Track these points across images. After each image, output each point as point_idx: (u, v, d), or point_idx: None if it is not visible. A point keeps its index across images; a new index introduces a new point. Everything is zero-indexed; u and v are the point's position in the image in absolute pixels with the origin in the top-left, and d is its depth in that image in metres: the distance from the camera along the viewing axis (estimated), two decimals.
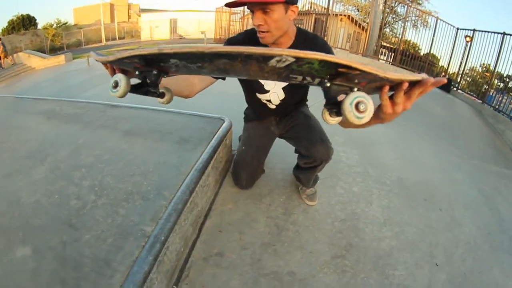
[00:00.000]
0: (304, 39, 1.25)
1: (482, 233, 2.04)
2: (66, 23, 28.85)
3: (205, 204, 1.81)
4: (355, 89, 0.55)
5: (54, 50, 21.23)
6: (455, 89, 9.35)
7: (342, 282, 1.42)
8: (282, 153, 2.04)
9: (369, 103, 0.53)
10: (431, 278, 1.52)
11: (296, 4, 1.13)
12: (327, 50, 1.25)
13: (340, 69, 0.52)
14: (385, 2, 11.92)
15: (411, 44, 13.38)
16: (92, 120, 2.53)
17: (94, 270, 1.13)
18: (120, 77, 0.68)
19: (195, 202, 1.59)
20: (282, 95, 1.50)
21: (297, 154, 1.81)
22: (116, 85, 0.68)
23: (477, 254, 1.80)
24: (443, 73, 10.50)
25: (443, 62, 10.72)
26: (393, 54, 11.21)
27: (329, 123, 0.74)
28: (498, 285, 1.64)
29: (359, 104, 0.53)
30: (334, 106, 0.64)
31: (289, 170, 2.17)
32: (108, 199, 1.46)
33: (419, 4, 17.57)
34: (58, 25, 27.45)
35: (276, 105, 1.56)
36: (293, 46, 1.23)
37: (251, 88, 1.53)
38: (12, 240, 1.41)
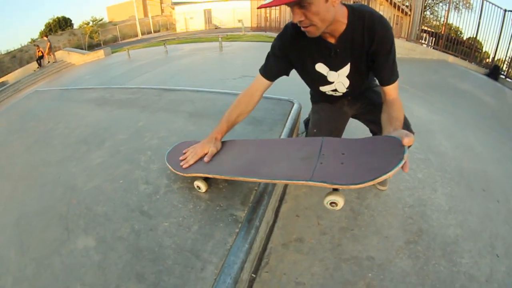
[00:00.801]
0: (362, 24, 1.25)
1: None
2: (101, 19, 31.41)
3: (280, 188, 1.81)
4: None
5: (92, 47, 23.08)
6: (503, 77, 9.03)
7: (416, 268, 1.52)
8: (354, 135, 1.94)
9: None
10: (493, 268, 1.62)
11: None
12: (388, 37, 1.27)
13: None
14: None
15: (452, 28, 12.53)
16: (148, 104, 2.55)
17: (179, 263, 1.04)
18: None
19: (278, 184, 1.56)
20: (347, 83, 1.51)
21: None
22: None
23: None
24: (487, 59, 10.10)
25: (487, 47, 10.22)
26: (434, 38, 10.90)
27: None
28: None
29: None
30: None
31: None
32: (185, 183, 1.39)
33: None
34: (93, 23, 29.98)
35: (343, 93, 1.59)
36: (346, 33, 1.26)
37: (313, 81, 1.57)
38: (71, 229, 1.38)
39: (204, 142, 1.44)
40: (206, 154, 1.39)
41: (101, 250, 1.21)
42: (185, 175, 1.36)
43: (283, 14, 15.19)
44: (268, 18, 16.58)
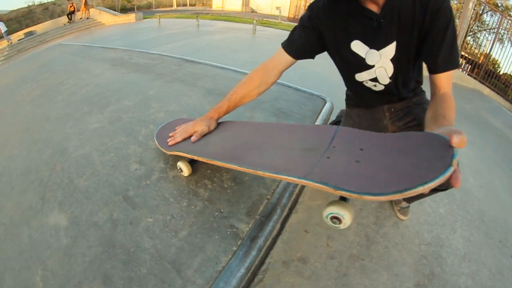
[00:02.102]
0: None
1: None
2: None
3: (294, 196, 1.52)
4: None
5: (124, 10, 23.06)
6: None
7: None
8: None
9: None
10: None
11: None
12: (445, 10, 1.00)
13: None
14: (473, 8, 10.78)
15: (491, 60, 11.97)
16: (165, 72, 2.32)
17: (155, 274, 0.82)
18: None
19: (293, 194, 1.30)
20: (391, 69, 1.20)
21: None
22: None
23: None
24: None
25: None
26: (470, 65, 10.37)
27: None
28: None
29: None
30: None
31: None
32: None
33: (510, 15, 15.71)
34: None
35: (385, 85, 1.27)
36: (393, 0, 1.01)
37: (348, 66, 1.26)
38: (47, 199, 1.20)
39: (198, 120, 1.23)
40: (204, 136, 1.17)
41: (71, 233, 1.02)
42: (167, 152, 1.17)
43: None
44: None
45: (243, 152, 0.93)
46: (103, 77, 2.44)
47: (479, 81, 9.44)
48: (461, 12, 10.84)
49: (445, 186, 1.22)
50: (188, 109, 1.66)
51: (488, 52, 10.14)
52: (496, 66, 11.75)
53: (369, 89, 1.31)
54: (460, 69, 11.27)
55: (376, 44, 1.11)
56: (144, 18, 14.04)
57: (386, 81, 1.23)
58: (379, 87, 1.27)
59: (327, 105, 1.93)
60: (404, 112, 1.43)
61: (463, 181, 2.63)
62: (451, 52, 1.00)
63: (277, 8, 18.04)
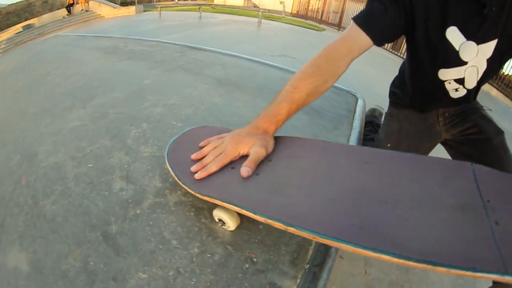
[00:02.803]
0: None
1: None
2: None
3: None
4: None
5: (125, 4, 22.97)
6: None
7: None
8: None
9: None
10: None
11: None
12: None
13: None
14: None
15: None
16: (165, 59, 1.97)
17: None
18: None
19: None
20: (482, 72, 1.03)
21: None
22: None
23: None
24: None
25: None
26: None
27: None
28: None
29: None
30: None
31: None
32: (189, 197, 0.78)
33: None
34: None
35: (468, 90, 1.11)
36: None
37: (435, 58, 1.03)
38: (7, 229, 0.87)
39: (243, 135, 0.77)
40: (242, 157, 0.75)
41: (33, 285, 0.68)
42: (198, 195, 0.70)
43: (327, 6, 15.27)
44: (309, 6, 16.85)
45: (366, 217, 0.55)
46: (91, 66, 2.10)
47: (488, 83, 9.55)
48: None
49: None
50: (193, 103, 1.29)
51: None
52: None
53: (445, 92, 1.11)
54: None
55: (477, 36, 0.92)
56: (144, 11, 14.21)
57: (473, 85, 1.06)
58: (461, 93, 1.07)
59: (360, 103, 1.60)
60: (459, 118, 1.27)
61: None
62: None
63: (281, 2, 18.58)
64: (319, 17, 15.37)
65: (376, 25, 0.87)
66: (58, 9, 17.87)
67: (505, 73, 10.31)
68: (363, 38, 0.86)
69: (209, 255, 0.63)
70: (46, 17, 15.53)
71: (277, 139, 0.80)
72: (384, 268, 1.51)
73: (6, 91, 2.22)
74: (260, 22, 8.39)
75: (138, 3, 24.79)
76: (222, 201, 0.65)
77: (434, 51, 0.99)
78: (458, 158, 1.35)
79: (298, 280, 0.60)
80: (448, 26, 0.92)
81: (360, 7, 13.25)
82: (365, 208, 0.55)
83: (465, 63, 0.99)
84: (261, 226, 0.70)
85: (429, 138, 1.37)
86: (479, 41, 0.94)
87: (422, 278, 1.61)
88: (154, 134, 1.06)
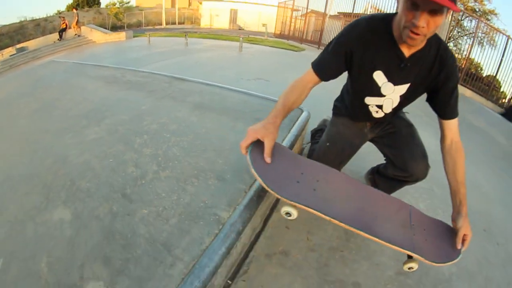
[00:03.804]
0: (436, 50, 1.24)
1: None
2: (128, 3, 31.75)
3: (273, 196, 1.66)
4: None
5: (115, 28, 23.26)
6: None
7: None
8: (364, 159, 2.06)
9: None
10: None
11: None
12: (456, 73, 1.28)
13: None
14: (451, 14, 11.40)
15: (473, 63, 12.52)
16: (156, 89, 2.51)
17: (148, 254, 0.99)
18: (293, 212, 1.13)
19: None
20: (396, 103, 1.42)
21: (385, 161, 1.78)
22: (289, 215, 1.13)
23: None
24: (503, 99, 10.09)
25: (505, 88, 10.10)
26: None
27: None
28: None
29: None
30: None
31: (359, 173, 2.17)
32: (174, 173, 1.34)
33: (487, 20, 16.48)
34: (120, 5, 30.30)
35: (385, 114, 1.49)
36: (422, 52, 1.22)
37: (363, 89, 1.42)
38: (52, 199, 1.35)
39: (258, 125, 1.15)
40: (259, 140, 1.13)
41: (75, 226, 1.17)
42: (284, 199, 1.07)
43: (308, 25, 15.33)
44: (291, 26, 16.71)
45: (364, 218, 1.20)
46: (97, 94, 2.61)
47: (461, 84, 9.66)
48: None
49: (415, 178, 1.62)
50: (177, 121, 1.84)
51: (468, 55, 10.72)
52: (479, 69, 12.29)
53: (369, 112, 1.49)
54: None
55: (395, 80, 1.30)
56: (134, 37, 14.24)
57: (388, 110, 1.44)
58: (379, 114, 1.48)
59: (304, 114, 2.13)
60: (382, 122, 1.63)
61: (442, 178, 2.83)
62: (455, 104, 1.30)
63: (264, 25, 18.29)
64: (301, 37, 15.12)
65: (326, 71, 1.32)
66: (50, 32, 17.70)
67: (479, 74, 10.84)
68: (315, 77, 1.32)
69: (182, 200, 1.18)
70: (39, 41, 15.57)
71: (319, 166, 1.33)
72: (324, 237, 1.68)
73: (20, 113, 2.63)
74: (241, 47, 8.81)
75: (128, 27, 25.19)
76: (296, 203, 1.07)
77: (364, 84, 1.36)
78: (382, 148, 1.73)
79: (230, 212, 1.14)
80: (376, 70, 1.27)
81: (338, 24, 13.18)
82: (358, 214, 1.20)
83: (384, 96, 1.37)
84: (212, 187, 1.25)
85: (359, 138, 1.71)
86: (396, 83, 1.30)
87: (362, 246, 1.72)
88: (152, 141, 1.61)
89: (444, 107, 1.30)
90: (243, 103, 2.25)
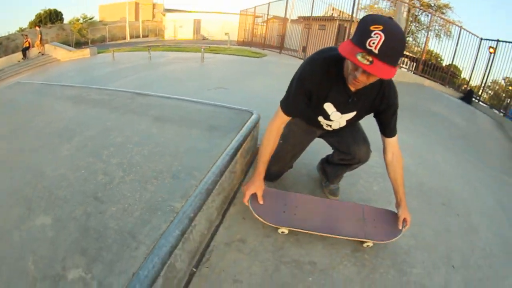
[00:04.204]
0: (379, 87, 1.43)
1: (499, 241, 2.15)
2: (92, 18, 30.91)
3: (231, 192, 1.92)
4: None
5: (79, 45, 22.70)
6: (476, 101, 9.64)
7: (361, 276, 1.55)
8: (308, 149, 2.11)
9: None
10: (448, 279, 1.65)
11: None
12: (395, 104, 1.50)
13: None
14: (408, 11, 12.12)
15: (433, 55, 13.41)
16: (120, 105, 2.69)
17: (117, 242, 1.20)
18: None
19: (223, 186, 1.70)
20: (343, 124, 1.65)
21: (333, 150, 1.98)
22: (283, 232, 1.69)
23: (492, 261, 1.90)
24: (465, 85, 10.77)
25: (465, 74, 10.92)
26: (414, 63, 11.58)
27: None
28: None
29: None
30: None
31: (313, 165, 2.30)
32: (137, 176, 1.56)
33: (443, 13, 17.60)
34: (84, 20, 29.48)
35: (334, 129, 1.72)
36: (366, 88, 1.36)
37: (317, 112, 1.63)
38: (33, 209, 1.51)
39: (249, 182, 1.64)
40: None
41: (55, 228, 1.34)
42: (278, 226, 1.66)
43: (270, 31, 15.48)
44: (253, 33, 16.76)
45: (330, 224, 1.65)
46: (67, 113, 2.74)
47: (419, 75, 10.22)
48: (394, 17, 11.95)
49: (358, 160, 1.81)
50: (139, 133, 2.06)
51: (426, 48, 11.22)
52: (440, 59, 12.84)
53: (321, 125, 1.72)
54: (405, 68, 12.19)
55: (342, 110, 1.53)
56: (98, 53, 13.93)
57: (337, 128, 1.68)
58: (328, 128, 1.72)
59: (253, 117, 2.33)
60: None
61: None
62: (394, 126, 1.55)
63: (226, 34, 18.10)
64: (263, 43, 15.16)
65: (295, 111, 1.54)
66: (13, 51, 16.86)
67: (439, 64, 11.31)
68: (285, 117, 1.55)
69: (143, 197, 1.41)
70: (2, 61, 14.84)
71: (297, 196, 1.79)
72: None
73: None
74: (203, 57, 8.90)
75: (92, 43, 24.58)
76: (285, 227, 1.65)
77: (317, 109, 1.57)
78: (328, 140, 1.93)
79: (183, 203, 1.38)
80: (327, 102, 1.48)
81: (298, 28, 13.55)
82: (326, 222, 1.62)
83: (332, 120, 1.59)
84: (168, 185, 1.49)
85: (309, 136, 1.90)
86: (343, 113, 1.52)
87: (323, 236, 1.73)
88: (118, 152, 1.83)
89: (385, 128, 1.55)
90: (198, 112, 2.48)
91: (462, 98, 9.64)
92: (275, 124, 1.59)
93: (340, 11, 11.78)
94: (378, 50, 1.05)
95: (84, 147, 1.97)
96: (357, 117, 1.59)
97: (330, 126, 1.68)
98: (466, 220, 2.27)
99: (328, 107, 1.52)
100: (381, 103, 1.46)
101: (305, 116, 1.77)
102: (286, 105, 1.53)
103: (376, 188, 2.30)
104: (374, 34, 1.05)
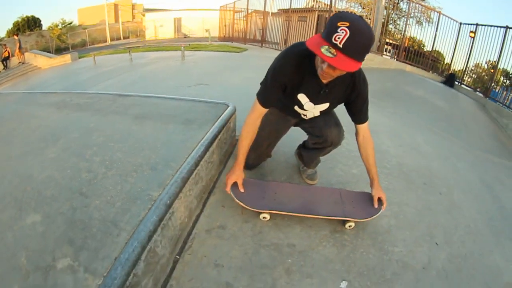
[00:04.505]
0: (349, 78, 1.49)
1: (483, 218, 2.16)
2: (71, 23, 30.25)
3: (210, 181, 2.01)
4: None
5: (59, 51, 22.25)
6: (459, 84, 9.92)
7: (341, 256, 1.56)
8: (286, 138, 2.18)
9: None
10: (431, 256, 1.64)
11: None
12: (366, 92, 1.58)
13: None
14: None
15: (416, 41, 13.67)
16: (102, 107, 2.75)
17: (101, 230, 1.29)
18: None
19: (200, 175, 1.79)
20: (317, 114, 1.74)
21: (308, 136, 2.05)
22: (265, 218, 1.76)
23: (477, 237, 1.91)
24: (448, 70, 11.01)
25: (448, 59, 11.18)
26: (396, 50, 11.84)
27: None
28: (500, 269, 1.74)
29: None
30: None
31: (291, 153, 2.35)
32: (118, 171, 1.64)
33: (423, 0, 17.85)
34: (63, 25, 28.80)
35: (309, 118, 1.81)
36: (337, 80, 1.45)
37: (292, 102, 1.71)
38: (24, 209, 1.57)
39: (230, 172, 1.78)
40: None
41: (45, 223, 1.41)
42: (258, 210, 1.74)
43: (249, 26, 15.57)
44: (234, 28, 16.72)
45: (309, 206, 1.73)
46: (51, 119, 2.77)
47: (401, 61, 10.48)
48: (373, 6, 12.10)
49: (330, 142, 1.86)
50: (120, 132, 2.13)
51: (403, 35, 11.54)
52: (422, 45, 13.13)
53: (298, 114, 1.81)
54: (387, 55, 12.35)
55: (316, 101, 1.61)
56: (79, 58, 13.75)
57: (311, 116, 1.77)
58: (304, 117, 1.81)
59: (229, 109, 2.41)
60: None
61: (378, 145, 2.82)
62: (366, 112, 1.63)
63: (206, 30, 18.10)
64: (244, 38, 15.31)
65: (270, 102, 1.62)
66: None
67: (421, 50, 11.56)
68: (262, 108, 1.62)
69: (124, 189, 1.50)
70: None
71: (276, 184, 1.92)
72: (256, 213, 1.80)
73: None
74: (183, 56, 8.91)
75: (72, 48, 24.07)
76: (265, 210, 1.74)
77: (291, 100, 1.66)
78: (303, 126, 1.99)
79: (160, 192, 1.47)
80: (300, 93, 1.57)
81: (279, 20, 13.57)
82: (304, 205, 1.74)
83: (307, 110, 1.69)
84: (147, 175, 1.58)
85: (285, 124, 1.99)
86: (316, 103, 1.61)
87: (301, 219, 1.79)
88: (100, 151, 1.90)
89: (356, 116, 1.63)
90: (176, 108, 2.55)
91: (444, 82, 9.93)
92: (253, 116, 1.67)
93: (319, 1, 11.79)
94: (343, 45, 1.13)
95: (68, 149, 2.03)
96: (330, 108, 1.67)
97: (306, 115, 1.76)
98: (448, 198, 2.27)
99: (302, 97, 1.60)
100: (352, 93, 1.53)
101: (283, 106, 1.83)
102: (263, 98, 1.61)
103: (355, 171, 2.31)
104: (340, 29, 1.12)
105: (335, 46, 1.14)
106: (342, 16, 1.15)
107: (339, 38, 1.13)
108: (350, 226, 1.73)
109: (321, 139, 1.85)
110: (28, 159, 2.10)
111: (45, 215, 1.48)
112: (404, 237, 1.73)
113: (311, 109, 1.68)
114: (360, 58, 1.18)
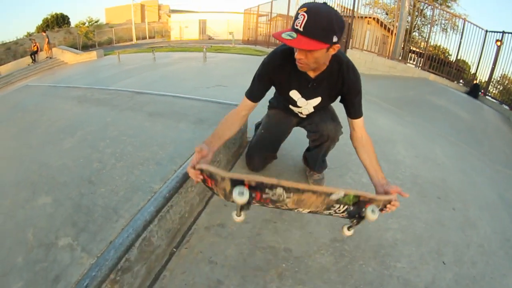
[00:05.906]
0: (338, 69, 1.51)
1: (498, 238, 2.04)
2: (97, 21, 31.49)
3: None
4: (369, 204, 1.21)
5: (86, 47, 23.22)
6: (484, 95, 9.66)
7: (338, 266, 1.55)
8: (296, 142, 2.23)
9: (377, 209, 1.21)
10: (436, 276, 1.57)
11: (338, 43, 1.30)
12: (357, 84, 1.54)
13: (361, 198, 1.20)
14: (413, 5, 12.04)
15: (440, 49, 13.32)
16: (120, 103, 2.95)
17: (102, 216, 1.43)
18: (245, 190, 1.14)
19: None
20: (311, 110, 1.77)
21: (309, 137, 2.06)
22: (242, 194, 1.14)
23: (490, 259, 1.80)
24: (474, 80, 10.67)
25: (473, 68, 10.80)
26: (421, 58, 11.40)
27: (347, 235, 1.36)
28: None
29: (374, 209, 1.18)
30: (357, 219, 1.27)
31: (300, 157, 2.35)
32: (126, 163, 1.80)
33: (448, 6, 17.37)
34: (90, 23, 30.07)
35: (306, 115, 1.86)
36: (325, 73, 1.50)
37: (286, 101, 1.78)
38: (37, 192, 1.75)
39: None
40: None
41: (54, 206, 1.57)
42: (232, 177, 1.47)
43: (273, 29, 15.35)
44: (257, 31, 16.81)
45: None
46: (71, 112, 3.00)
47: (423, 69, 10.25)
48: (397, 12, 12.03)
49: (327, 137, 1.84)
50: (133, 127, 2.31)
51: (427, 42, 11.27)
52: (447, 54, 12.83)
53: (296, 113, 1.85)
54: (411, 64, 12.07)
55: (307, 96, 1.65)
56: (105, 55, 14.33)
57: (307, 113, 1.83)
58: (301, 115, 1.87)
59: None
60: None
61: (394, 154, 2.84)
62: (359, 107, 1.60)
63: (230, 33, 18.49)
64: (267, 41, 15.08)
65: (255, 95, 1.59)
66: (22, 56, 17.58)
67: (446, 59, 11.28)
68: (249, 102, 1.59)
69: (129, 180, 1.65)
70: (11, 65, 15.32)
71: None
72: (259, 211, 1.81)
73: (2, 135, 2.96)
74: (205, 57, 9.06)
75: (99, 45, 25.02)
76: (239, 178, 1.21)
77: (285, 99, 1.72)
78: (303, 126, 2.00)
79: (161, 185, 1.61)
80: (291, 90, 1.61)
81: None
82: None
83: (300, 107, 1.72)
84: (152, 170, 1.72)
85: (288, 125, 2.04)
86: (308, 98, 1.64)
87: (296, 218, 1.80)
88: (112, 144, 2.07)
89: (349, 109, 1.60)
90: (189, 107, 2.70)
91: (468, 93, 9.62)
92: (237, 108, 1.66)
93: (343, 6, 11.81)
94: (303, 28, 1.22)
95: (84, 140, 2.21)
96: (323, 102, 1.70)
97: (301, 113, 1.82)
98: (463, 214, 2.17)
99: (294, 94, 1.66)
100: (342, 85, 1.54)
101: (283, 106, 1.91)
102: (249, 91, 1.63)
103: (365, 180, 2.24)
104: (300, 15, 1.22)
105: (297, 30, 1.23)
106: (303, 5, 1.24)
107: (299, 22, 1.22)
108: (350, 228, 1.32)
109: (317, 134, 1.89)
110: (47, 148, 2.30)
111: (55, 198, 1.64)
112: (409, 253, 1.68)
113: (304, 105, 1.72)
114: (323, 38, 1.23)
